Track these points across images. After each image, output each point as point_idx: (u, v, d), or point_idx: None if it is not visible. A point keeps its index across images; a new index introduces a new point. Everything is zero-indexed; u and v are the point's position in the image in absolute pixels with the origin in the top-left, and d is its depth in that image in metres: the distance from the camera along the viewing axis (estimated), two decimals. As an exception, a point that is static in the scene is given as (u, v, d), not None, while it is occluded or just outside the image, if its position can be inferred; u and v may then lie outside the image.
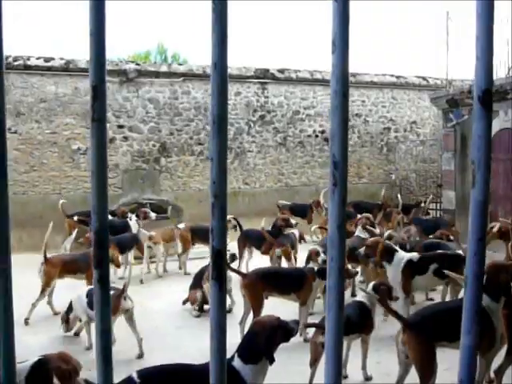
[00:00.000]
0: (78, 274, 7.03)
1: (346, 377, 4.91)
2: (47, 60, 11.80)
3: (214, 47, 0.78)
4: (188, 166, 12.87)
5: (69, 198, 11.39)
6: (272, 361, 3.41)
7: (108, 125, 12.29)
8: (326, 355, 0.83)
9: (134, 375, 3.21)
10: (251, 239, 8.80)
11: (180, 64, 15.46)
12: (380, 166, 14.35)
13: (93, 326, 5.62)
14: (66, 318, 6.07)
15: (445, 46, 11.91)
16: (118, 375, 2.42)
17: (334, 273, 0.81)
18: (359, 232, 8.01)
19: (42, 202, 11.52)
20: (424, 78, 15.04)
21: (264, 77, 13.04)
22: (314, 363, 4.66)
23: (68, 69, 11.95)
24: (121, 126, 12.15)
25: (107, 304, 0.86)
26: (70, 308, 6.03)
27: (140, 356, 5.51)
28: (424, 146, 14.57)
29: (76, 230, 10.76)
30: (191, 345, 5.64)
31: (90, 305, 5.70)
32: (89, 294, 5.84)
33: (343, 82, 0.77)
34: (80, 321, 6.00)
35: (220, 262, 0.83)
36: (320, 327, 4.66)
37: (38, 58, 11.71)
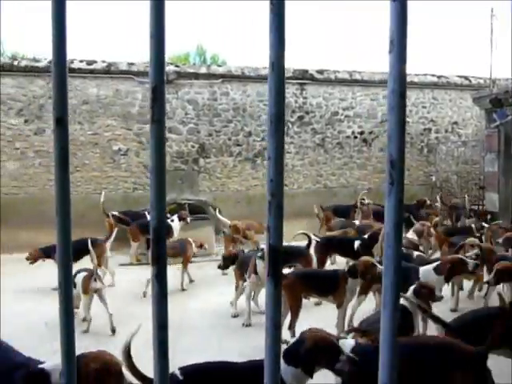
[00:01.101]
0: (178, 258, 8.42)
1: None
2: (90, 63, 12.06)
3: (271, 47, 0.79)
4: (226, 167, 12.95)
5: (109, 197, 11.60)
6: (307, 373, 3.36)
7: (148, 126, 12.47)
8: (381, 354, 0.83)
9: (177, 372, 3.24)
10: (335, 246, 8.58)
11: (219, 65, 15.57)
12: (420, 168, 14.13)
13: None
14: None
15: (488, 44, 11.66)
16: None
17: (390, 272, 0.81)
18: (410, 234, 8.22)
19: (84, 202, 11.77)
20: (466, 78, 14.75)
21: (303, 77, 13.02)
22: (353, 366, 4.62)
23: (109, 71, 12.19)
24: (160, 128, 12.33)
25: (164, 300, 0.88)
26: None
27: (113, 331, 6.20)
28: (466, 147, 14.27)
29: (116, 229, 10.99)
30: (227, 344, 5.68)
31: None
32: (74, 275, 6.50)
33: (400, 82, 0.77)
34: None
35: (276, 259, 0.84)
36: (360, 331, 4.62)
37: (80, 61, 11.98)
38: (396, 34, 0.77)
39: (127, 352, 3.37)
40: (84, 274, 6.52)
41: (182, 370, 3.28)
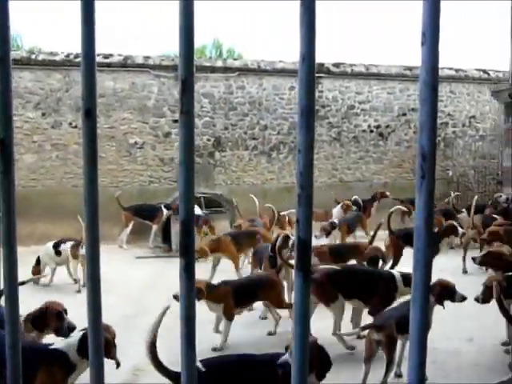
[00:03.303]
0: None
1: (400, 376, 4.84)
2: (106, 56, 12.10)
3: (302, 40, 0.79)
4: (242, 161, 12.95)
5: (126, 190, 11.68)
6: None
7: (164, 120, 12.56)
8: (411, 350, 0.83)
9: (199, 364, 3.26)
10: None
11: (235, 59, 15.55)
12: (437, 162, 13.81)
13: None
14: (34, 271, 7.78)
15: (508, 37, 11.51)
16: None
17: (421, 266, 0.81)
18: None
19: (100, 195, 11.74)
20: (485, 71, 14.55)
21: (319, 71, 12.92)
22: (368, 361, 4.61)
23: (126, 65, 12.22)
24: (176, 121, 12.29)
25: (192, 292, 0.89)
26: (37, 262, 7.92)
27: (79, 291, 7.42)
28: (483, 142, 14.13)
29: (132, 223, 11.07)
30: (244, 337, 5.69)
31: (58, 253, 7.85)
32: (55, 245, 7.91)
33: (433, 74, 0.76)
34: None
35: (305, 253, 0.84)
36: (375, 327, 4.61)
37: (97, 55, 11.98)
38: (428, 25, 0.76)
39: (152, 347, 3.41)
40: (71, 242, 7.80)
41: (204, 361, 3.30)
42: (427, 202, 0.79)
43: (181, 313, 0.89)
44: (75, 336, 3.69)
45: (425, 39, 0.76)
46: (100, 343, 0.95)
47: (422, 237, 0.80)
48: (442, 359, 5.11)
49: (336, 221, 9.76)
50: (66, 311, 4.29)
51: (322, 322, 5.89)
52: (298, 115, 0.82)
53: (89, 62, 0.86)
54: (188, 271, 0.88)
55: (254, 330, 6.09)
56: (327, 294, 5.52)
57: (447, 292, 4.92)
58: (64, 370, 3.50)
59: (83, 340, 3.60)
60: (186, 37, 0.82)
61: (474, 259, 6.33)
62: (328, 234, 9.38)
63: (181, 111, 0.85)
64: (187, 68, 0.83)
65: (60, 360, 3.50)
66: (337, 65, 13.35)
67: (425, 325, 0.80)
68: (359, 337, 5.56)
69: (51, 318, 4.18)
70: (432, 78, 0.76)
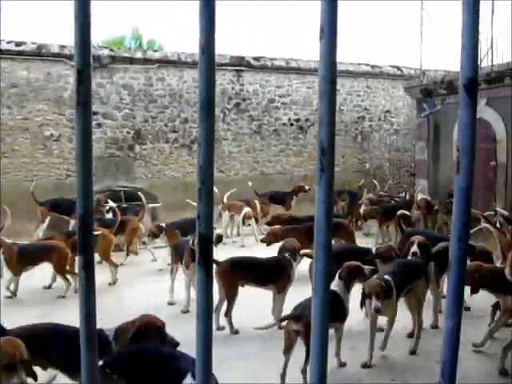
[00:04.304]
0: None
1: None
2: (18, 44, 11.55)
3: (201, 32, 0.77)
4: (163, 154, 12.78)
5: (41, 184, 11.21)
6: None
7: (81, 111, 12.13)
8: (312, 340, 0.84)
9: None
10: None
11: (155, 50, 15.28)
12: (354, 155, 14.45)
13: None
14: None
15: (419, 36, 12.03)
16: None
17: (321, 258, 0.82)
18: None
19: (14, 189, 11.29)
20: (398, 68, 15.16)
21: (239, 64, 12.98)
22: (287, 351, 4.68)
23: (40, 54, 11.72)
24: (94, 113, 11.97)
25: (92, 290, 0.86)
26: None
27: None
28: (397, 136, 14.73)
29: (48, 218, 10.65)
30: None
31: None
32: None
33: (331, 69, 0.77)
34: None
35: (207, 248, 0.84)
36: (293, 318, 4.68)
37: (8, 42, 11.44)
38: (326, 21, 0.77)
39: None
40: None
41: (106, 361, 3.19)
42: (327, 195, 0.80)
43: (80, 312, 0.86)
44: None
45: (323, 34, 0.77)
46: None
47: (323, 230, 0.81)
48: (361, 345, 5.28)
49: (164, 224, 8.99)
50: (164, 325, 3.72)
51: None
52: (198, 109, 0.81)
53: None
54: (87, 268, 0.85)
55: (175, 323, 6.04)
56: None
57: (355, 271, 5.07)
58: None
59: None
60: (81, 24, 0.78)
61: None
62: (155, 237, 8.78)
63: (77, 103, 0.82)
64: (83, 58, 0.80)
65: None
66: (257, 58, 13.43)
67: (326, 316, 0.82)
68: (280, 327, 5.64)
69: (152, 334, 3.59)
70: (330, 72, 0.77)
